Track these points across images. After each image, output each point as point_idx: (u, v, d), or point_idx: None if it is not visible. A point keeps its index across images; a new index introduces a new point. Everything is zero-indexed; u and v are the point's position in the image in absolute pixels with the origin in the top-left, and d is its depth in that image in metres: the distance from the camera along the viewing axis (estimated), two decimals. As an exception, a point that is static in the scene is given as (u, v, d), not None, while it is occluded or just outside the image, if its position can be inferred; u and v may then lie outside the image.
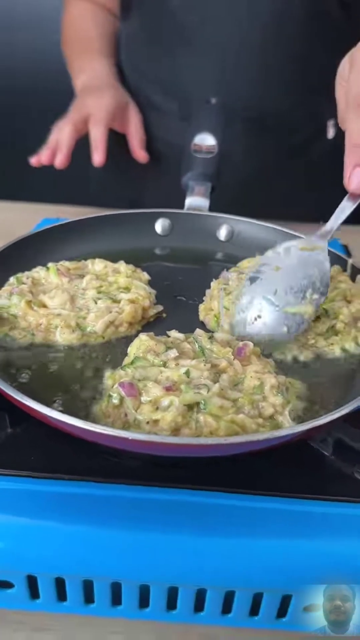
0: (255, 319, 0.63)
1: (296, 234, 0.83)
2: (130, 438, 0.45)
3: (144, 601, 0.51)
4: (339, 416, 0.48)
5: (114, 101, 1.07)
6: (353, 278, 0.73)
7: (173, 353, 0.55)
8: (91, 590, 0.50)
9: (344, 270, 0.73)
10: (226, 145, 0.95)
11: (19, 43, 1.93)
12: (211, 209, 0.88)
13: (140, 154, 1.10)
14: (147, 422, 0.49)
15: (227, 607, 0.51)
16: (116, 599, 0.51)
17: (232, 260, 0.82)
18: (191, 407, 0.50)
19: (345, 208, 0.64)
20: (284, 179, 1.18)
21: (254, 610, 0.51)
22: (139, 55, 1.18)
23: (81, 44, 1.19)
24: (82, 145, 1.05)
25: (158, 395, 0.51)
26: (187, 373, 0.53)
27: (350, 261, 0.74)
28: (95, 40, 1.18)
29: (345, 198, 0.64)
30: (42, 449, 0.53)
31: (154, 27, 1.11)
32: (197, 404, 0.50)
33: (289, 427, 0.48)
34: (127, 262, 0.75)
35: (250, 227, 0.88)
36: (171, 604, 0.51)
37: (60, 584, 0.50)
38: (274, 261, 0.66)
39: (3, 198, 1.19)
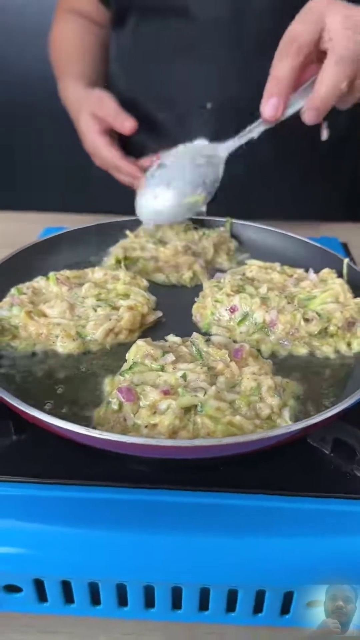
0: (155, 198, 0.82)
1: (296, 236, 0.84)
2: (128, 442, 0.46)
3: (149, 602, 0.52)
4: (330, 415, 0.49)
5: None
6: (351, 277, 0.73)
7: (170, 357, 0.56)
8: (97, 592, 0.51)
9: (339, 270, 0.74)
10: None
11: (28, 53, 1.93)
12: (210, 212, 0.88)
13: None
14: (146, 426, 0.51)
15: (231, 606, 0.52)
16: (122, 601, 0.52)
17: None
18: (188, 409, 0.51)
19: (253, 129, 0.77)
20: (280, 180, 1.19)
21: (258, 607, 0.52)
22: (132, 65, 1.18)
23: (61, 67, 1.20)
24: (82, 150, 1.06)
25: (156, 399, 0.52)
26: (184, 376, 0.54)
27: (346, 261, 0.75)
28: (74, 62, 1.18)
29: (258, 121, 0.76)
30: (46, 456, 0.54)
31: (150, 36, 1.11)
32: (195, 406, 0.51)
33: (283, 427, 0.48)
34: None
35: (250, 230, 0.89)
36: (176, 603, 0.52)
37: (67, 587, 0.51)
38: (180, 156, 0.83)
39: (4, 208, 1.21)
